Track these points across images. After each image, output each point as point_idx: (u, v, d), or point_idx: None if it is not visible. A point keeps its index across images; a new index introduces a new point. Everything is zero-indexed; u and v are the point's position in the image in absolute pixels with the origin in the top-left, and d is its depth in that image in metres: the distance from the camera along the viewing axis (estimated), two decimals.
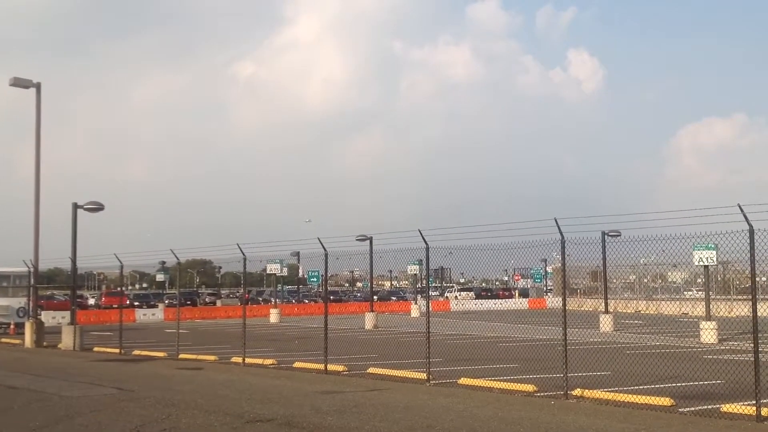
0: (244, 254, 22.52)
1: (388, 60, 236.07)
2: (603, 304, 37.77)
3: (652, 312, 51.82)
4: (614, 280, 54.10)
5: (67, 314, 35.76)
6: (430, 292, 22.61)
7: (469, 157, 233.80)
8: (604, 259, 30.45)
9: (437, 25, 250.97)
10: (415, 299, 56.50)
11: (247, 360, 21.77)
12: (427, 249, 17.30)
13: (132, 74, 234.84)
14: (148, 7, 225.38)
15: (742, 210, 11.84)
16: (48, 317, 40.87)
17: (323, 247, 19.64)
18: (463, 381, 16.68)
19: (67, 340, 29.09)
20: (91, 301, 70.61)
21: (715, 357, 21.49)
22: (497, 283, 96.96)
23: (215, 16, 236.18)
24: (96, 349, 28.36)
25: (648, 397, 13.38)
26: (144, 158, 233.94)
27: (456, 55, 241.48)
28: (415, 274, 42.32)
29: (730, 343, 26.33)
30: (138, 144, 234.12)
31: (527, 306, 65.65)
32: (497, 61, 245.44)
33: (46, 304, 53.51)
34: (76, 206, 29.80)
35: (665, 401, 13.19)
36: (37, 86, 30.56)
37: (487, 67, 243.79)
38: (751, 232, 11.95)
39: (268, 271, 46.99)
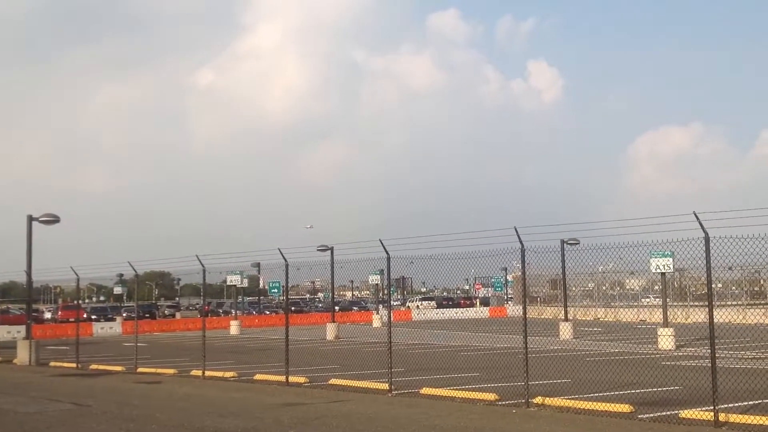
0: (203, 266, 22.33)
1: (350, 69, 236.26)
2: (563, 312, 38.10)
3: (610, 319, 52.38)
4: (573, 288, 54.57)
5: (22, 329, 34.98)
6: (392, 302, 22.60)
7: (431, 165, 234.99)
8: (564, 267, 30.65)
9: (398, 35, 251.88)
10: (377, 309, 56.44)
11: (207, 373, 21.53)
12: (389, 258, 17.27)
13: (90, 82, 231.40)
14: (107, 14, 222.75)
15: (697, 218, 12.01)
16: (3, 332, 40.14)
17: (284, 257, 19.55)
18: (425, 391, 16.68)
19: (22, 354, 28.52)
20: (48, 315, 69.29)
21: (672, 363, 21.78)
22: (458, 292, 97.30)
23: (174, 24, 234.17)
24: (52, 363, 27.84)
25: (608, 404, 13.49)
26: (102, 167, 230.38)
27: (417, 65, 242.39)
28: (377, 284, 42.31)
29: (687, 349, 26.71)
30: (96, 152, 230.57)
31: (488, 315, 65.96)
32: (458, 71, 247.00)
33: (0, 318, 52.50)
34: (31, 219, 29.20)
35: (625, 408, 13.31)
36: None
37: (449, 77, 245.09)
38: (707, 239, 12.14)
39: (228, 283, 46.65)
